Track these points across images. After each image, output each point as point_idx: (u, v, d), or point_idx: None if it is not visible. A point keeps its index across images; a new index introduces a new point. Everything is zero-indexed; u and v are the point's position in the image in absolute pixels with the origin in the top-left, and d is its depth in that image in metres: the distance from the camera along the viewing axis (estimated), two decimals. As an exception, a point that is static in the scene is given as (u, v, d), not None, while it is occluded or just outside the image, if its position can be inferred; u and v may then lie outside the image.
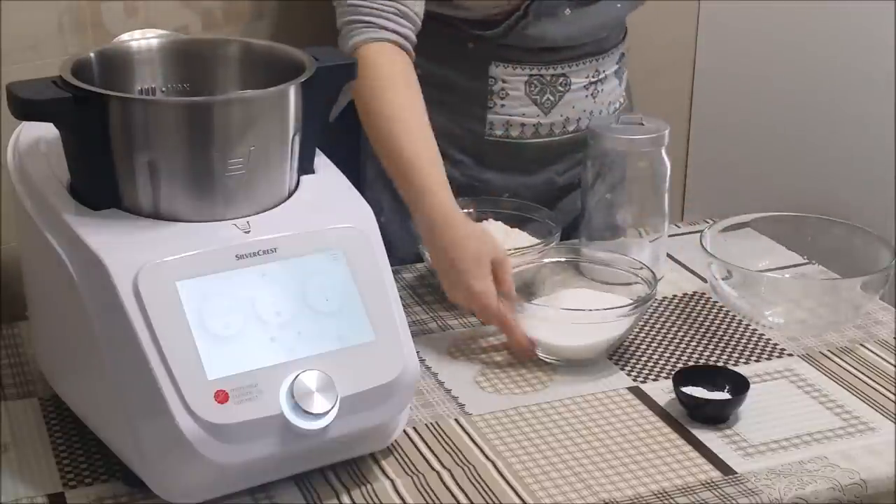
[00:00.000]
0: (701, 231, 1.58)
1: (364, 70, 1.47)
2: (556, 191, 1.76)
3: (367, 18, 1.54)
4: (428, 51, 1.64)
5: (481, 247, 1.45)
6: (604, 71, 1.73)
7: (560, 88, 1.69)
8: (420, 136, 1.50)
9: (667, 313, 1.56)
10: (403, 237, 1.63)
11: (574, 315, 1.42)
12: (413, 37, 1.57)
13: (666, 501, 1.20)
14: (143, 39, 1.33)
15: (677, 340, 1.50)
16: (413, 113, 1.52)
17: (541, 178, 1.74)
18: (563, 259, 1.57)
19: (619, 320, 1.43)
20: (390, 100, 1.51)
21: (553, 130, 1.71)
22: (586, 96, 1.72)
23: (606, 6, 1.68)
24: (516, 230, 1.61)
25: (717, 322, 1.54)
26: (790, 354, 1.47)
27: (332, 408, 1.13)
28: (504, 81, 1.68)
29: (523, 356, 1.45)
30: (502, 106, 1.69)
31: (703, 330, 1.53)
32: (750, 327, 1.53)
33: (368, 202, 1.27)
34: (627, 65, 1.81)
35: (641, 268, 1.51)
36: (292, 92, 1.21)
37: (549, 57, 1.68)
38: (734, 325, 1.54)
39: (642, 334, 1.51)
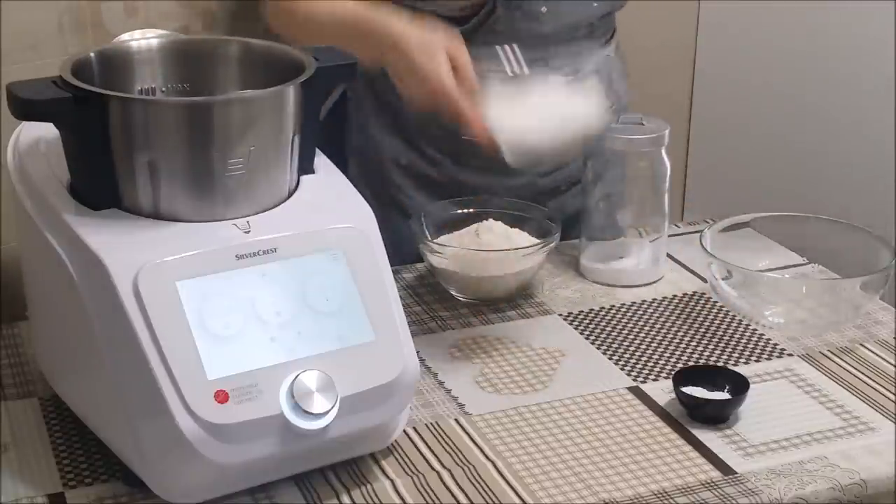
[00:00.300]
0: (701, 231, 1.58)
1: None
2: (538, 194, 1.72)
3: None
4: None
5: (431, 41, 1.44)
6: (582, 71, 1.70)
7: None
8: None
9: (667, 313, 1.56)
10: (389, 238, 1.61)
11: (542, 95, 1.43)
12: None
13: (666, 501, 1.20)
14: (143, 39, 1.33)
15: (677, 340, 1.50)
16: None
17: (521, 181, 1.71)
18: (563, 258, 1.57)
19: (590, 107, 1.43)
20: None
21: None
22: None
23: (583, 5, 1.66)
24: (516, 230, 1.61)
25: (717, 322, 1.54)
26: (790, 354, 1.47)
27: (332, 408, 1.13)
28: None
29: (486, 145, 1.44)
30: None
31: (703, 330, 1.53)
32: (750, 327, 1.53)
33: None
34: (617, 67, 1.78)
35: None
36: (292, 92, 1.21)
37: (525, 55, 1.64)
38: (734, 325, 1.54)
39: (642, 334, 1.51)
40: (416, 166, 1.73)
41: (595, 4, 1.68)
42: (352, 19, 1.51)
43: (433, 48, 1.43)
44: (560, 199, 1.76)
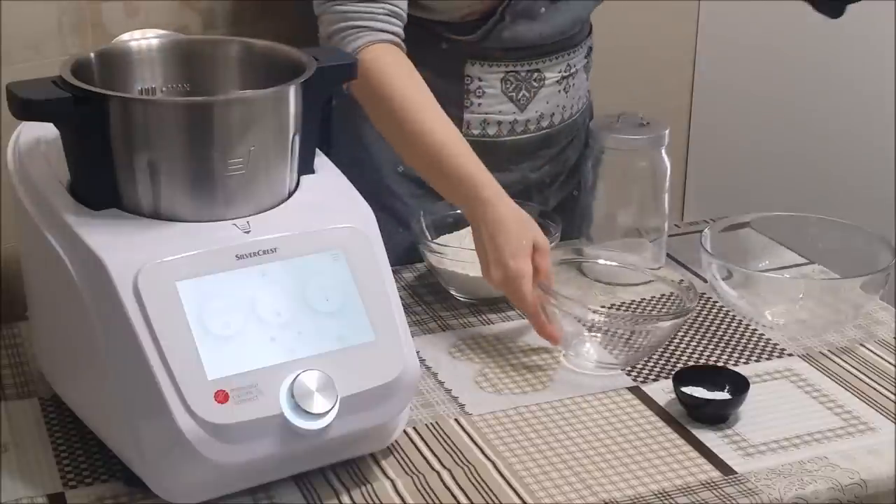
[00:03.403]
0: (701, 231, 1.58)
1: (371, 73, 1.48)
2: (527, 189, 1.75)
3: (360, 23, 1.51)
4: None
5: (525, 227, 1.45)
6: (574, 66, 1.74)
7: (535, 84, 1.69)
8: (445, 123, 1.50)
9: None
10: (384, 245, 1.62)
11: None
12: (403, 34, 1.56)
13: (666, 501, 1.20)
14: (143, 39, 1.33)
15: (677, 340, 1.50)
16: (432, 103, 1.51)
17: (514, 176, 1.73)
18: (565, 258, 1.57)
19: None
20: (409, 97, 1.49)
21: (528, 127, 1.71)
22: (559, 91, 1.72)
23: (577, 3, 1.68)
24: (516, 230, 1.61)
25: (718, 322, 1.54)
26: (790, 354, 1.47)
27: (332, 408, 1.13)
28: (480, 80, 1.67)
29: (550, 341, 1.45)
30: (479, 105, 1.68)
31: (703, 330, 1.53)
32: (750, 327, 1.53)
33: None
34: (593, 60, 1.82)
35: (658, 268, 1.52)
36: (292, 92, 1.21)
37: (523, 53, 1.68)
38: (734, 325, 1.54)
39: (642, 334, 1.51)
40: (413, 172, 1.73)
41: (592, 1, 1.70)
42: (448, 164, 1.48)
43: (524, 237, 1.44)
44: (545, 192, 1.78)
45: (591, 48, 1.79)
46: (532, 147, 1.74)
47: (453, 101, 1.67)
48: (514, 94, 1.69)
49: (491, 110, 1.69)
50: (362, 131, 1.70)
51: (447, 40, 1.65)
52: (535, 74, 1.69)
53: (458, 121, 1.68)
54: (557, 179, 1.81)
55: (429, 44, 1.65)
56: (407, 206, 1.71)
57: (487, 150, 1.69)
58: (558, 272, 1.55)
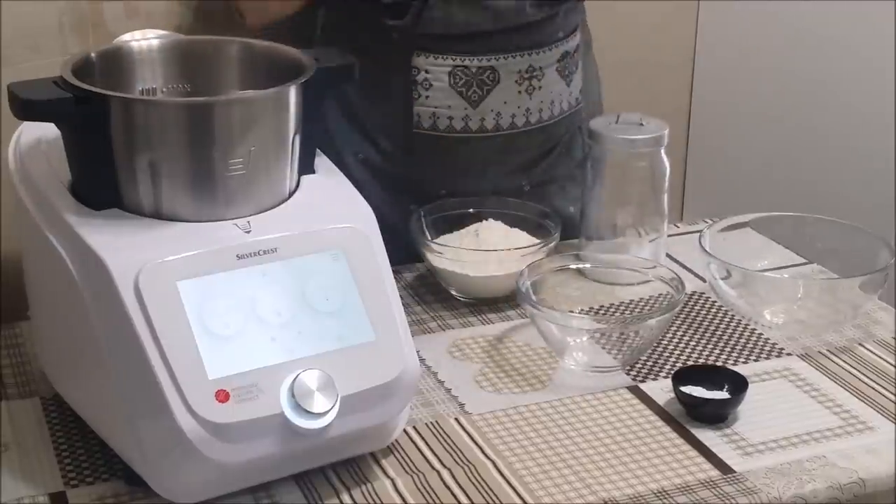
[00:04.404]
0: (700, 231, 1.58)
1: None
2: (494, 193, 1.70)
3: None
4: (354, 41, 1.62)
5: None
6: (540, 67, 1.70)
7: (487, 82, 1.67)
8: None
9: (666, 313, 1.56)
10: None
11: None
12: None
13: (665, 500, 1.20)
14: (143, 40, 1.33)
15: (677, 340, 1.50)
16: None
17: (481, 181, 1.71)
18: (564, 259, 1.57)
19: None
20: None
21: (484, 126, 1.69)
22: (519, 92, 1.69)
23: None
24: (516, 230, 1.61)
25: (717, 322, 1.55)
26: (789, 354, 1.47)
27: (333, 407, 1.13)
28: (427, 72, 1.66)
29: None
30: (427, 97, 1.67)
31: (702, 330, 1.53)
32: (749, 327, 1.53)
33: None
34: (582, 66, 1.77)
35: (654, 266, 1.52)
36: (292, 92, 1.21)
37: (474, 47, 1.65)
38: (733, 324, 1.54)
39: (642, 334, 1.51)
40: (373, 160, 1.73)
41: None
42: None
43: None
44: (532, 201, 1.74)
45: (567, 52, 1.73)
46: (496, 151, 1.71)
47: (403, 91, 1.66)
48: (463, 89, 1.66)
49: (440, 104, 1.67)
50: (326, 117, 1.70)
51: (394, 29, 1.64)
52: (488, 72, 1.67)
53: (409, 112, 1.67)
54: (542, 189, 1.77)
55: (379, 33, 1.64)
56: (370, 195, 1.71)
57: (443, 146, 1.68)
58: (558, 274, 1.55)
